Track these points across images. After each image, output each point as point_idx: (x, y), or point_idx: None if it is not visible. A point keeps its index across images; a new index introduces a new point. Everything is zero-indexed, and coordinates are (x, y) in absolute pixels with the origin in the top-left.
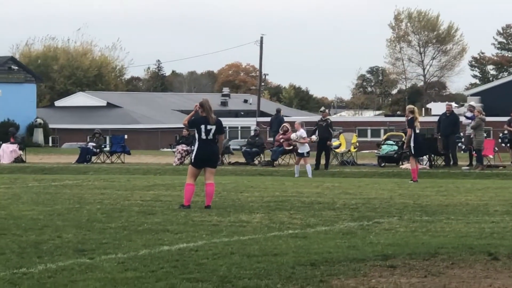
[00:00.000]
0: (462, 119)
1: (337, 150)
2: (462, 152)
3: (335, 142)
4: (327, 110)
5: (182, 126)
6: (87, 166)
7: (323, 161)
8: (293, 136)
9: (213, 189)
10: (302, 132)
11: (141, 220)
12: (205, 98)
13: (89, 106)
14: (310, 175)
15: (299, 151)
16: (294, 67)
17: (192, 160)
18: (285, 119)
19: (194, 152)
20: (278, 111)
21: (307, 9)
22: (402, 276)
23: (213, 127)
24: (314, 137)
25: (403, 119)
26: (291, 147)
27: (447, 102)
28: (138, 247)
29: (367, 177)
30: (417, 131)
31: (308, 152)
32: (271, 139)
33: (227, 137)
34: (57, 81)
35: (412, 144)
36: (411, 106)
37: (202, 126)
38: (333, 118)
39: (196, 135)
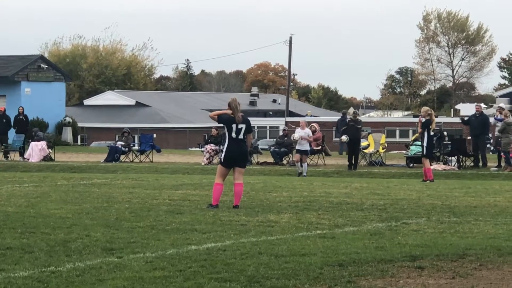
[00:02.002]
0: (491, 120)
1: (365, 151)
2: (490, 153)
3: (363, 143)
4: (357, 112)
5: (211, 126)
6: (115, 165)
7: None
8: (301, 133)
9: (242, 189)
10: (308, 131)
11: (169, 219)
12: (233, 98)
13: (118, 105)
14: (305, 173)
15: (300, 148)
16: (323, 67)
17: (222, 160)
18: (314, 119)
19: (224, 151)
20: (344, 113)
21: (336, 10)
22: (430, 277)
23: (243, 126)
24: (344, 138)
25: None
26: (320, 147)
27: (476, 103)
28: (166, 247)
29: (396, 177)
30: (432, 133)
31: (308, 151)
32: (337, 139)
33: (256, 137)
34: (86, 80)
35: (424, 145)
36: (428, 108)
37: (233, 125)
38: (362, 118)
39: (226, 134)
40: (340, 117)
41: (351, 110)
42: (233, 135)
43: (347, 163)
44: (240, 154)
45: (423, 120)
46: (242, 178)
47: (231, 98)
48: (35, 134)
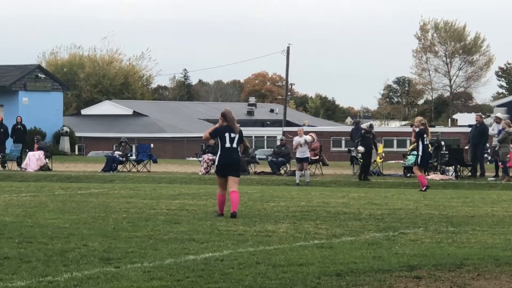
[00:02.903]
0: (491, 131)
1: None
2: (488, 163)
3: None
4: (372, 124)
5: (209, 135)
6: (113, 174)
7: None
8: (301, 139)
9: (237, 196)
10: (307, 138)
11: (167, 229)
12: (227, 109)
13: (116, 115)
14: (308, 179)
15: (301, 156)
16: (321, 77)
17: (215, 168)
18: (311, 129)
19: (217, 160)
20: (357, 122)
21: (333, 20)
22: (427, 287)
23: (236, 136)
24: (361, 148)
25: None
26: (317, 157)
27: (475, 113)
28: (163, 256)
29: (393, 187)
30: (426, 142)
31: (308, 158)
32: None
33: (253, 147)
34: (83, 89)
35: (420, 154)
36: (422, 118)
37: (227, 134)
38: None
39: (219, 144)
40: (354, 126)
41: (349, 120)
42: (227, 144)
43: (354, 172)
44: (232, 163)
45: (417, 130)
46: (236, 186)
47: (226, 110)
48: (37, 142)
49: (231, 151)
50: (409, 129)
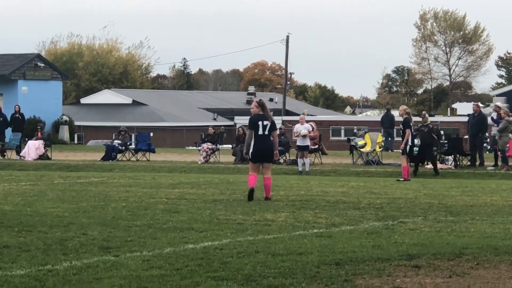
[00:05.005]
0: (490, 121)
1: (362, 150)
2: (487, 152)
3: (360, 142)
4: (427, 115)
5: (208, 124)
6: (112, 163)
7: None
8: (302, 130)
9: (270, 182)
10: (308, 126)
11: (166, 218)
12: (261, 98)
13: (115, 104)
14: (307, 169)
15: (301, 144)
16: (320, 66)
17: (250, 156)
18: (310, 118)
19: (251, 148)
20: (388, 109)
21: (333, 9)
22: (426, 276)
23: (268, 123)
24: (416, 141)
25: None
26: (317, 146)
27: (473, 103)
28: (163, 245)
29: (392, 176)
30: (412, 131)
31: (309, 147)
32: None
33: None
34: (82, 78)
35: (409, 143)
36: (406, 107)
37: (260, 123)
38: (359, 117)
39: (253, 133)
40: (384, 113)
41: (348, 109)
42: (260, 131)
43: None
44: (266, 149)
45: (404, 119)
46: (270, 172)
47: (261, 99)
48: (41, 129)
49: (264, 138)
50: None
